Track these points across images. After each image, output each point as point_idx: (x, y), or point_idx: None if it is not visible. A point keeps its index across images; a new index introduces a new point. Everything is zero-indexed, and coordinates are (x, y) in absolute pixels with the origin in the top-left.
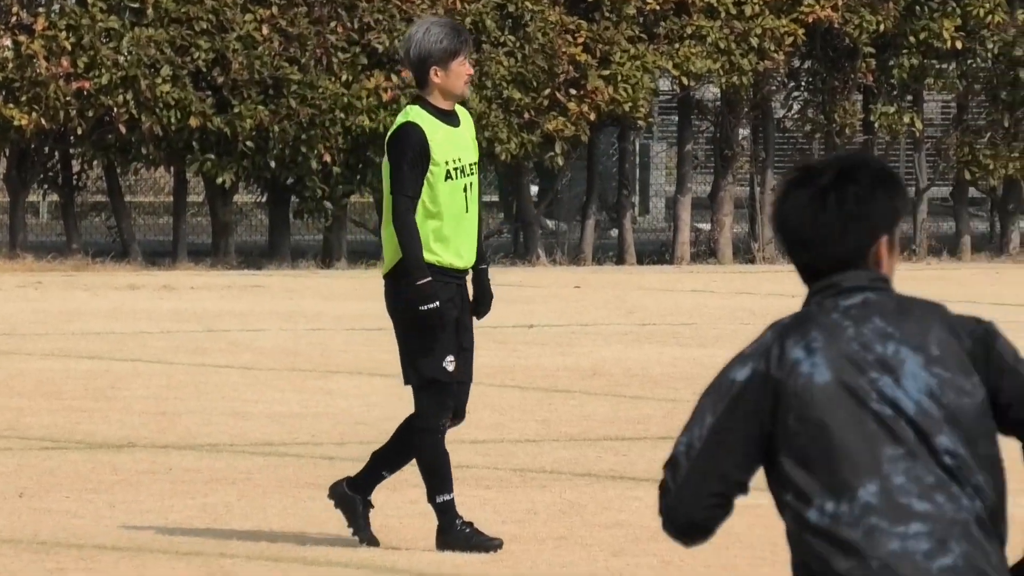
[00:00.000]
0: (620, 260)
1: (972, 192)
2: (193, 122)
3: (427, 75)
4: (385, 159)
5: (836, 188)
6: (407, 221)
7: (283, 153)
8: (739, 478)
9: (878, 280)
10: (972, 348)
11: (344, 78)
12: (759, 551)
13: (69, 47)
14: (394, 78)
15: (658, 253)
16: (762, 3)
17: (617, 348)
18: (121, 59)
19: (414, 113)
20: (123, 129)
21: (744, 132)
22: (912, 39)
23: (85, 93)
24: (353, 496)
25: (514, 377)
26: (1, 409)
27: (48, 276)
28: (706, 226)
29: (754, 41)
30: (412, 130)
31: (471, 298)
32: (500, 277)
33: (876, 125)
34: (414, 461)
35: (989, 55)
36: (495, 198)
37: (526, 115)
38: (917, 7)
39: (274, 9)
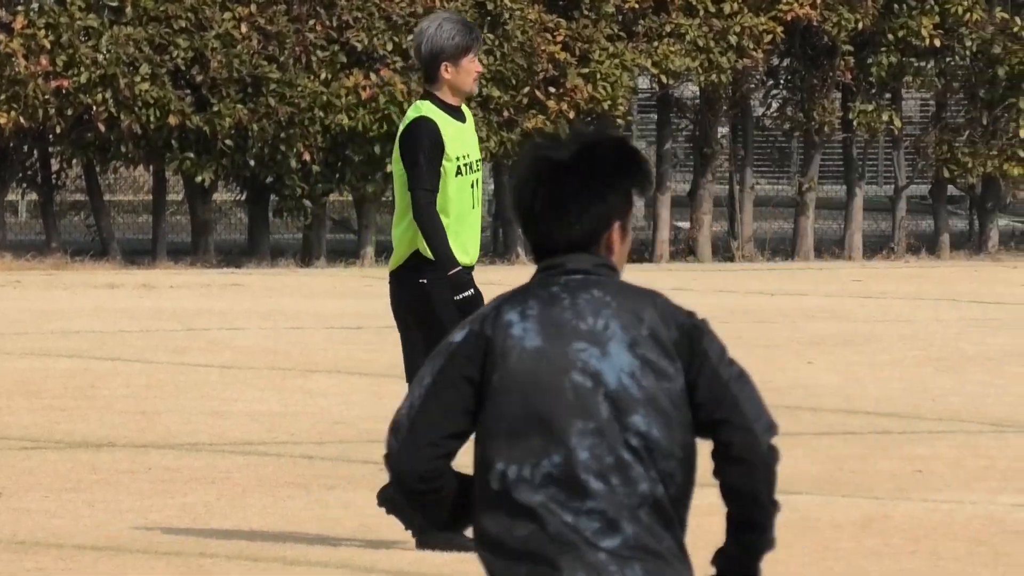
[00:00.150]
0: None
1: (951, 190)
2: (172, 120)
3: (438, 70)
4: (396, 156)
5: (575, 169)
6: (430, 214)
7: (262, 152)
8: (455, 430)
9: (603, 266)
10: (678, 338)
11: (323, 76)
12: None
13: (48, 45)
14: (373, 76)
15: (637, 251)
16: (741, 1)
17: None
18: (100, 57)
19: (426, 108)
20: (102, 128)
21: (723, 130)
22: (890, 37)
23: (64, 92)
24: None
25: None
26: None
27: (27, 275)
28: (685, 224)
29: (733, 39)
30: (426, 124)
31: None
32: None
33: (855, 123)
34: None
35: (967, 53)
36: None
37: (505, 113)
38: (895, 5)
39: (253, 7)
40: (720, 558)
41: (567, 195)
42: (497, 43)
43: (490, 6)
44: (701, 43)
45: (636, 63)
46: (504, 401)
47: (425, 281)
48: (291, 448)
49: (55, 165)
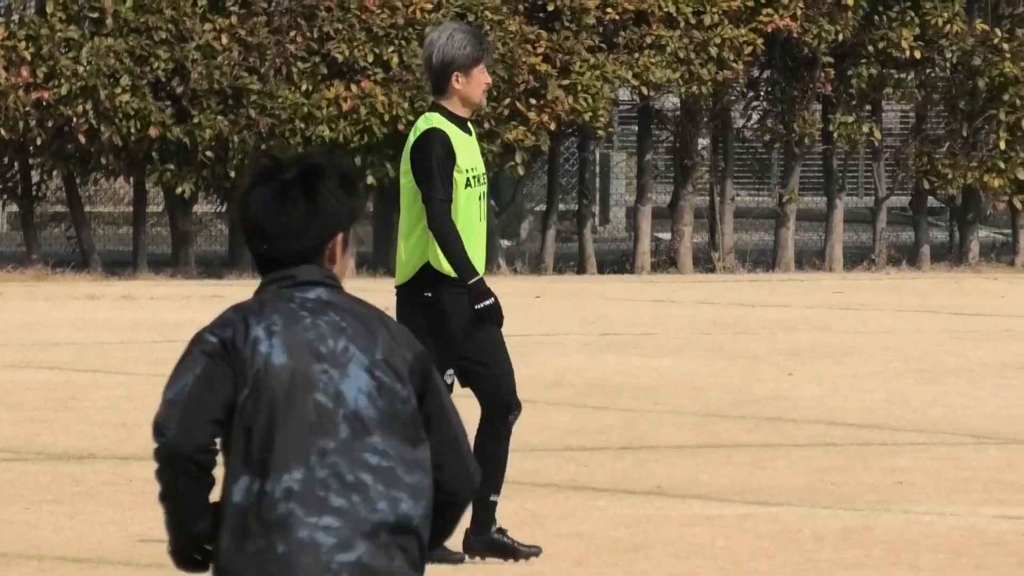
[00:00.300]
0: (581, 270)
1: (931, 202)
2: (153, 132)
3: (448, 81)
4: (405, 168)
5: (301, 185)
6: (446, 223)
7: (243, 163)
8: (220, 418)
9: (329, 277)
10: (412, 363)
11: (304, 88)
12: (720, 561)
13: (28, 57)
14: (354, 88)
15: (619, 263)
16: (721, 13)
17: (578, 358)
18: (80, 69)
19: (436, 119)
20: (83, 139)
21: (704, 142)
22: (871, 48)
23: (44, 103)
24: (490, 537)
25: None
26: None
27: (7, 286)
28: (666, 236)
29: (713, 51)
30: (438, 134)
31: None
32: None
33: (835, 135)
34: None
35: (948, 64)
36: None
37: (486, 125)
38: (876, 17)
39: (233, 19)
40: None
41: (295, 209)
42: None
43: (471, 17)
44: (682, 55)
45: (617, 75)
46: (249, 415)
47: (430, 295)
48: None
49: (36, 176)
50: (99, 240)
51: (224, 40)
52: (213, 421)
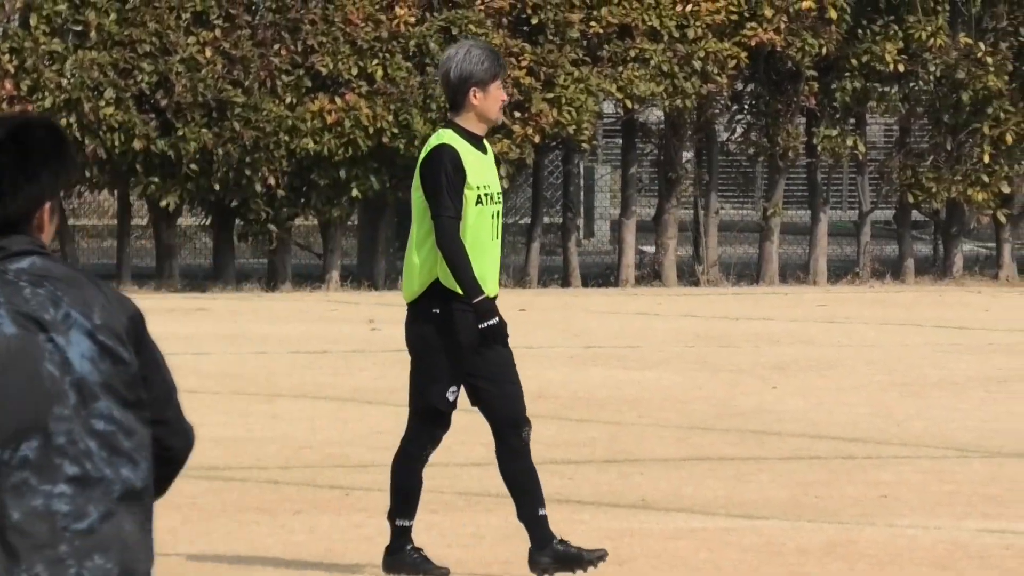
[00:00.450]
0: (565, 283)
1: (915, 215)
2: (137, 145)
3: (466, 96)
4: (416, 183)
5: (8, 149)
6: (455, 241)
7: (227, 176)
8: None
9: (40, 245)
10: (127, 325)
11: (288, 101)
12: (704, 575)
13: (12, 70)
14: (338, 101)
15: (603, 276)
16: (705, 27)
17: (563, 371)
18: (64, 82)
19: (447, 136)
20: None
21: (688, 155)
22: (854, 62)
23: None
24: (553, 550)
25: (460, 401)
26: None
27: None
28: (651, 249)
29: (697, 64)
30: (448, 150)
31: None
32: None
33: (819, 148)
34: (390, 480)
35: (931, 78)
36: None
37: None
38: (859, 30)
39: (217, 32)
40: None
41: (1, 175)
42: None
43: (455, 31)
44: (666, 68)
45: (601, 88)
46: None
47: (439, 311)
48: (256, 473)
49: None
50: (83, 253)
51: (208, 53)
52: None
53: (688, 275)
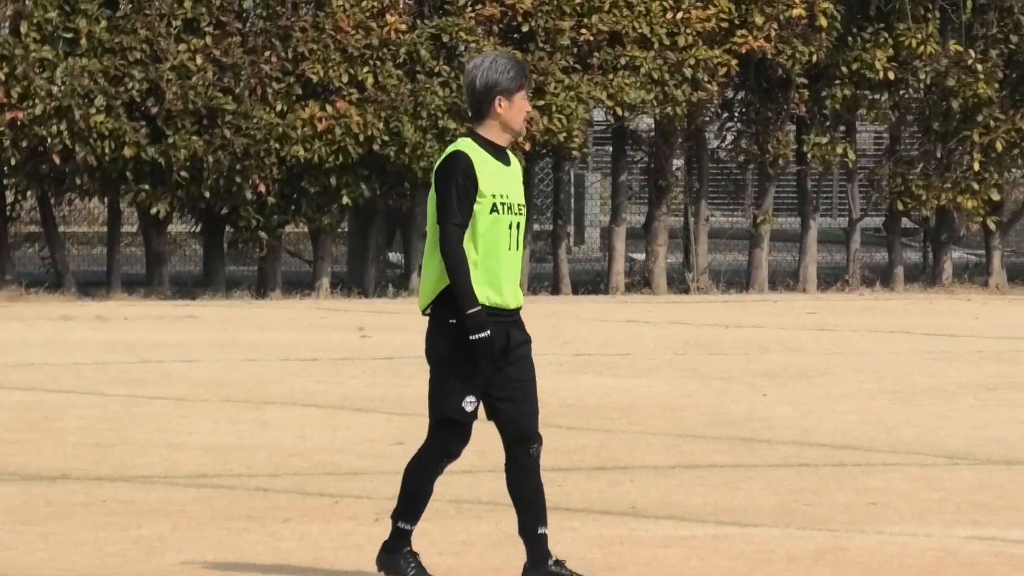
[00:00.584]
0: (555, 290)
1: (905, 222)
2: (127, 152)
3: (491, 105)
4: (432, 190)
5: None
6: (456, 250)
7: (217, 183)
8: None
9: None
10: None
11: (279, 108)
12: None
13: (2, 77)
14: (328, 108)
15: (593, 283)
16: (695, 34)
17: (552, 378)
18: (55, 89)
19: (464, 144)
20: (57, 159)
21: (678, 163)
22: (845, 70)
23: (19, 123)
24: (546, 570)
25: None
26: None
27: None
28: (640, 256)
29: (688, 72)
30: (460, 158)
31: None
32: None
33: (809, 156)
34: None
35: (921, 86)
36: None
37: None
38: (849, 38)
39: (208, 39)
40: None
41: None
42: (453, 75)
43: (445, 38)
44: (656, 76)
45: (591, 95)
46: None
47: (455, 321)
48: (246, 481)
49: (10, 197)
50: (73, 260)
51: (199, 60)
52: None
53: (678, 282)
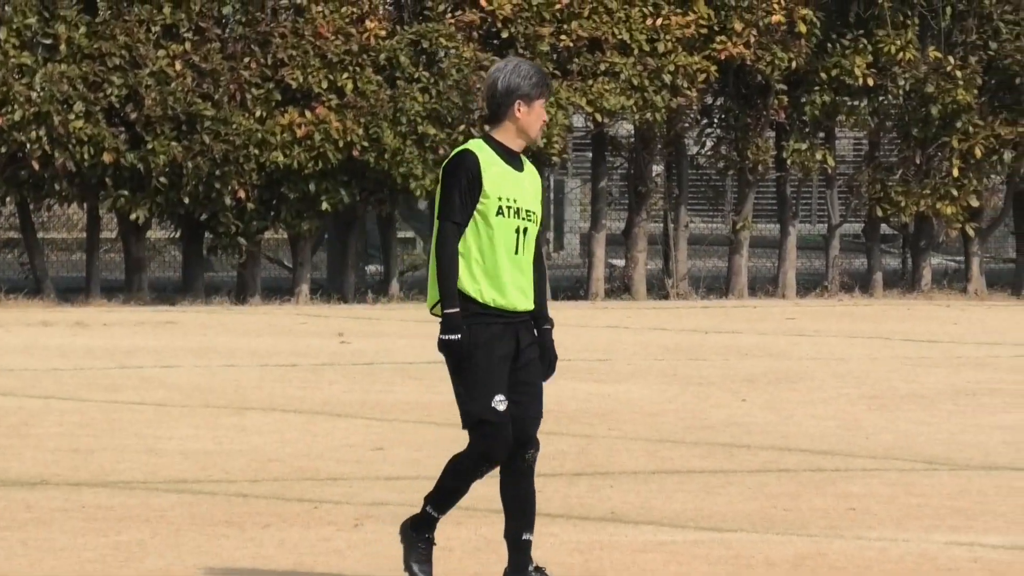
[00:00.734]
0: None
1: (884, 229)
2: (106, 158)
3: (510, 108)
4: (438, 186)
5: None
6: (449, 248)
7: (197, 189)
8: None
9: None
10: None
11: (258, 114)
12: None
13: None
14: (308, 114)
15: (573, 289)
16: (675, 40)
17: None
18: (34, 95)
19: (474, 145)
20: (36, 165)
21: (658, 169)
22: (824, 76)
23: None
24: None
25: (430, 413)
26: None
27: None
28: (620, 262)
29: (667, 78)
30: (467, 157)
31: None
32: (417, 313)
33: (788, 162)
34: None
35: (901, 92)
36: (409, 234)
37: (441, 151)
38: (829, 44)
39: (187, 45)
40: None
41: None
42: (432, 81)
43: (425, 44)
44: (635, 82)
45: (571, 101)
46: None
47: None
48: (225, 486)
49: None
50: (52, 266)
51: (178, 66)
52: None
53: (658, 288)
